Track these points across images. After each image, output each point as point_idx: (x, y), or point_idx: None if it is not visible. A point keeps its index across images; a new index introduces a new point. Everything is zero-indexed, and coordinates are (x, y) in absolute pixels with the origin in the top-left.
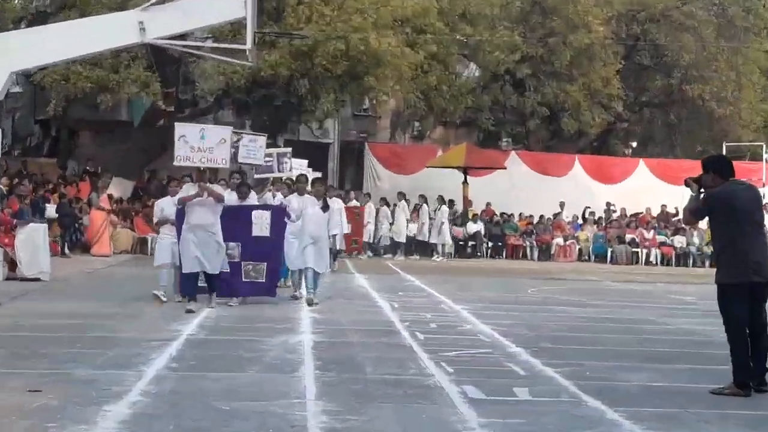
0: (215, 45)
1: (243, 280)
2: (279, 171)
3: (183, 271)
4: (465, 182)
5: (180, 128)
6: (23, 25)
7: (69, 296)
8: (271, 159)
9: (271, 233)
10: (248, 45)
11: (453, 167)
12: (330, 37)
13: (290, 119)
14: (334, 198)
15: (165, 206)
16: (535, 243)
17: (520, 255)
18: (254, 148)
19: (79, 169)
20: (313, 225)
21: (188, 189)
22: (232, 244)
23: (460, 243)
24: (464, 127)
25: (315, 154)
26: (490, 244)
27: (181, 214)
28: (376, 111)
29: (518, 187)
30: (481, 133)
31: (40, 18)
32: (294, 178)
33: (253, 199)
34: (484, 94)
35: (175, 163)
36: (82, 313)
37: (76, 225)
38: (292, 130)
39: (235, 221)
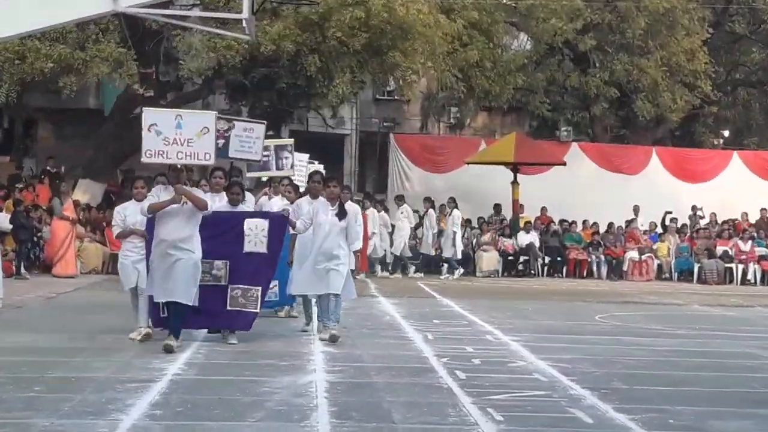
0: (204, 14)
1: (227, 308)
2: (277, 168)
3: (154, 299)
4: (514, 182)
5: (150, 115)
6: None
7: (26, 327)
8: (268, 153)
9: (268, 248)
10: (245, 14)
11: (499, 163)
12: (346, 3)
13: (297, 105)
14: (348, 201)
15: (128, 213)
16: (603, 257)
17: (585, 273)
18: (250, 139)
19: (37, 168)
20: (329, 237)
21: (159, 193)
22: (218, 263)
23: (509, 258)
24: (513, 114)
25: (328, 149)
26: (546, 259)
27: (151, 226)
28: (404, 94)
29: (581, 187)
30: (534, 120)
31: None
32: (306, 178)
33: (248, 204)
34: (538, 71)
35: (143, 159)
36: (43, 348)
37: (35, 239)
38: (299, 118)
39: (221, 233)
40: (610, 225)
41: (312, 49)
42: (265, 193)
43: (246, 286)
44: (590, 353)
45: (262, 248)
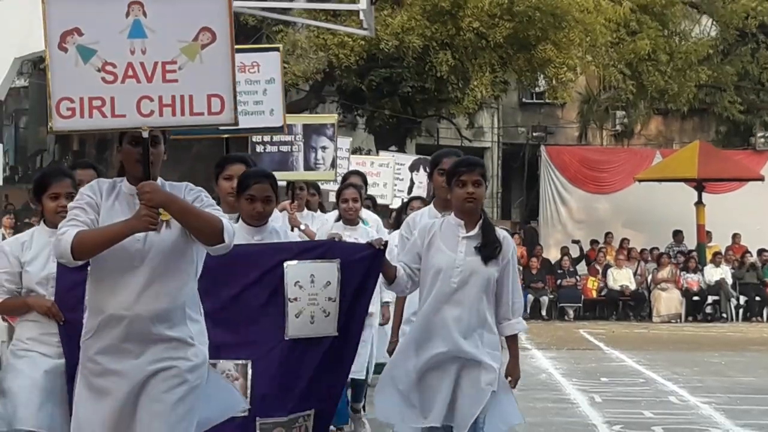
0: (312, 5)
1: None
2: (308, 167)
3: None
4: (699, 203)
5: None
6: None
7: None
8: (291, 139)
9: (339, 327)
10: (362, 4)
11: (679, 180)
12: None
13: (425, 114)
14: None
15: (28, 257)
16: None
17: None
18: (256, 83)
19: None
20: (464, 301)
21: (97, 200)
22: (228, 366)
23: (695, 299)
24: (695, 117)
25: None
26: (741, 299)
27: (71, 288)
28: (557, 96)
29: None
30: (722, 125)
31: None
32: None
33: (279, 228)
34: (726, 64)
35: (55, 127)
36: None
37: None
38: (428, 129)
39: (238, 294)
40: None
41: (443, 44)
42: (285, 208)
43: (289, 416)
44: None
45: (327, 328)
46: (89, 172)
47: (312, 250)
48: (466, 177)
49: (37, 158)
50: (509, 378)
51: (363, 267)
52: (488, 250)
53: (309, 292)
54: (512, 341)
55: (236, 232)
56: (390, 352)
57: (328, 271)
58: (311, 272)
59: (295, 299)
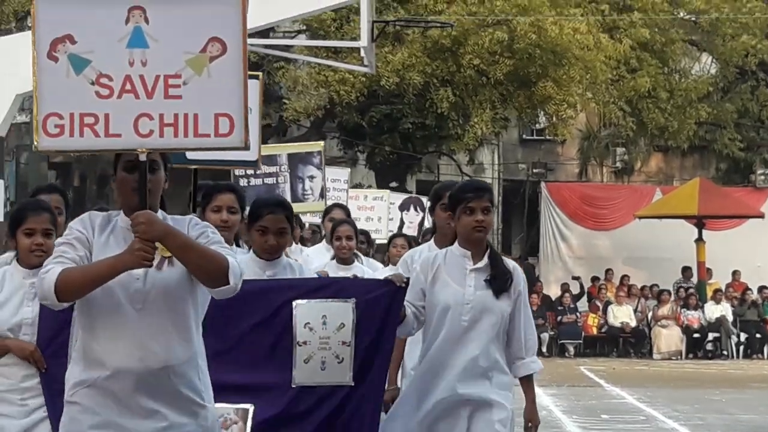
0: (313, 43)
1: None
2: (295, 198)
3: None
4: (699, 240)
5: None
6: (29, 23)
7: None
8: (276, 170)
9: (354, 376)
10: (363, 41)
11: (679, 217)
12: (485, 24)
13: (425, 150)
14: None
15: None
16: None
17: None
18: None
19: None
20: (471, 339)
21: (88, 235)
22: (228, 408)
23: (695, 336)
24: (695, 154)
25: None
26: (742, 336)
27: (53, 327)
28: (558, 133)
29: None
30: (722, 162)
31: None
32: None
33: (295, 263)
34: (726, 101)
35: (41, 146)
36: None
37: None
38: (428, 165)
39: (245, 335)
40: None
41: (444, 81)
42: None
43: None
44: None
45: (340, 376)
46: (55, 197)
47: (324, 288)
48: (475, 203)
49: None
50: (530, 424)
51: (381, 307)
52: (499, 282)
53: (320, 335)
54: (527, 383)
55: (247, 266)
56: (388, 403)
57: (342, 311)
58: (323, 313)
59: (305, 343)
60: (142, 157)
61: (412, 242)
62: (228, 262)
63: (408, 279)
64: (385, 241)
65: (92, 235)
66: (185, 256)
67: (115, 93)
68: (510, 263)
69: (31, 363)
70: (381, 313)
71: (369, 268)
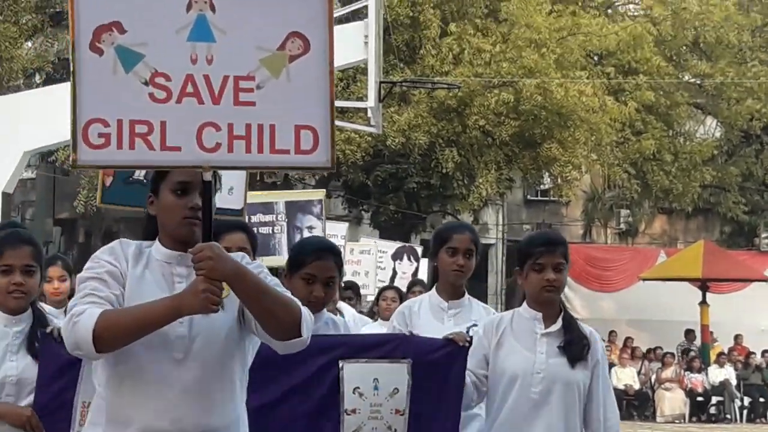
0: None
1: None
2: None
3: None
4: (703, 303)
5: None
6: (38, 80)
7: None
8: (272, 219)
9: None
10: (370, 101)
11: (683, 279)
12: (491, 85)
13: (430, 210)
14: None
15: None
16: None
17: None
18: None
19: None
20: (541, 413)
21: (121, 268)
22: None
23: (699, 399)
24: (699, 217)
25: None
26: (745, 400)
27: (52, 384)
28: (562, 194)
29: None
30: (726, 225)
31: (62, 69)
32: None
33: (338, 319)
34: (731, 164)
35: (81, 159)
36: None
37: None
38: (432, 225)
39: (277, 401)
40: None
41: (449, 141)
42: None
43: None
44: None
45: None
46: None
47: (377, 346)
48: (545, 259)
49: (42, 250)
50: None
51: (441, 370)
52: (575, 349)
53: (371, 402)
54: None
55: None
56: None
57: (396, 374)
58: (375, 375)
59: (353, 411)
60: (207, 177)
61: (403, 296)
62: (301, 311)
63: (471, 338)
64: (374, 296)
65: (126, 268)
66: (257, 301)
67: (173, 96)
68: (586, 328)
69: (28, 431)
70: (440, 377)
71: (353, 322)
